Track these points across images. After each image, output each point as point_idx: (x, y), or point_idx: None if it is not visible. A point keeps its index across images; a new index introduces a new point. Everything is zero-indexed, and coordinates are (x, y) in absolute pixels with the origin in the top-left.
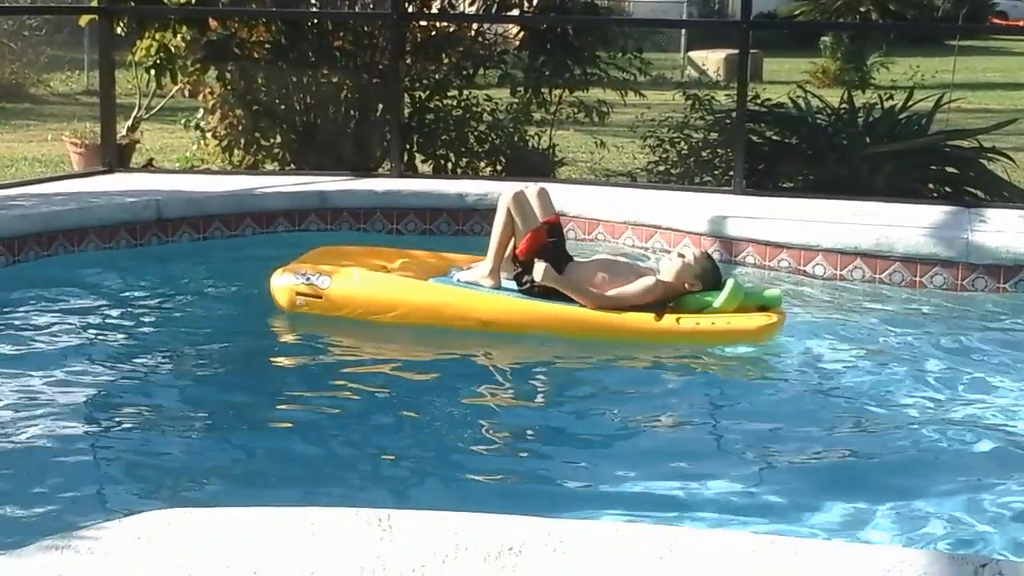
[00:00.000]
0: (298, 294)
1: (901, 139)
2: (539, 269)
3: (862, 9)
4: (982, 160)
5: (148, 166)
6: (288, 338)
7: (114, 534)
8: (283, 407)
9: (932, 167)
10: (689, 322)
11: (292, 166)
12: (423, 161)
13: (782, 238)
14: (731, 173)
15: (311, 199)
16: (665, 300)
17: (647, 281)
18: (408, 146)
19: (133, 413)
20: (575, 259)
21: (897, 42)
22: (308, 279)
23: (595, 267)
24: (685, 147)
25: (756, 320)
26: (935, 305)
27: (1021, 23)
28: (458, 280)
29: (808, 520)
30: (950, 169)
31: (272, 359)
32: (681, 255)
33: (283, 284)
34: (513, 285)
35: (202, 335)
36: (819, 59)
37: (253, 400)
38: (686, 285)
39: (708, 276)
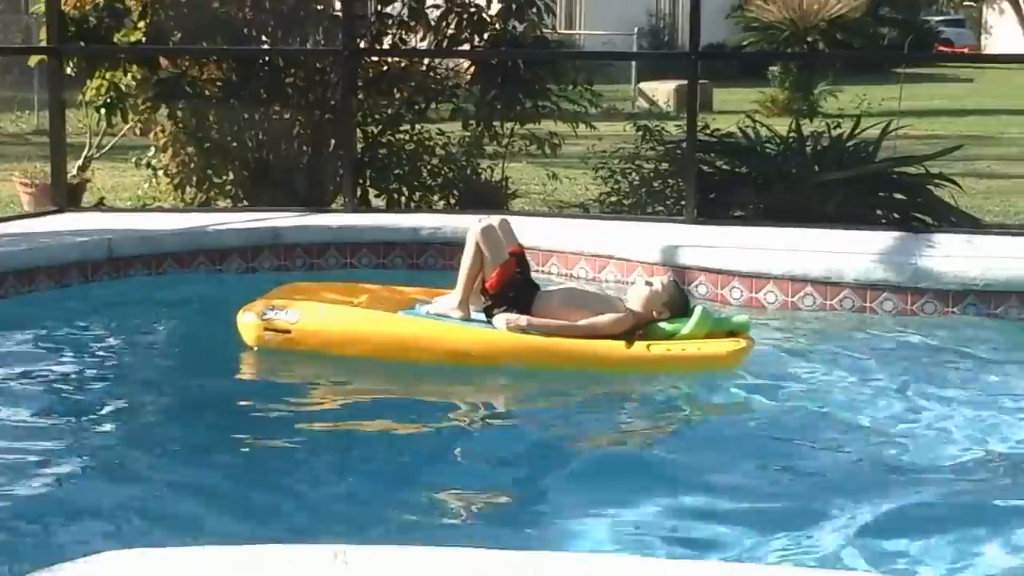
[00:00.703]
0: (266, 329)
1: (849, 167)
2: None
3: (809, 39)
4: (929, 187)
5: (99, 205)
6: (246, 374)
7: (68, 574)
8: (241, 445)
9: (880, 194)
10: (660, 349)
11: (245, 203)
12: (376, 195)
13: (733, 266)
14: (683, 203)
15: (264, 235)
16: (635, 328)
17: (618, 311)
18: (361, 181)
19: (87, 453)
20: (542, 288)
21: (844, 71)
22: (276, 314)
23: (563, 297)
24: (636, 178)
25: (726, 346)
26: (887, 330)
27: (966, 50)
28: (426, 312)
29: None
30: (898, 196)
31: (229, 395)
32: (649, 283)
33: (250, 320)
34: (482, 316)
35: (157, 373)
36: (768, 89)
37: (211, 438)
38: (655, 313)
39: (676, 303)
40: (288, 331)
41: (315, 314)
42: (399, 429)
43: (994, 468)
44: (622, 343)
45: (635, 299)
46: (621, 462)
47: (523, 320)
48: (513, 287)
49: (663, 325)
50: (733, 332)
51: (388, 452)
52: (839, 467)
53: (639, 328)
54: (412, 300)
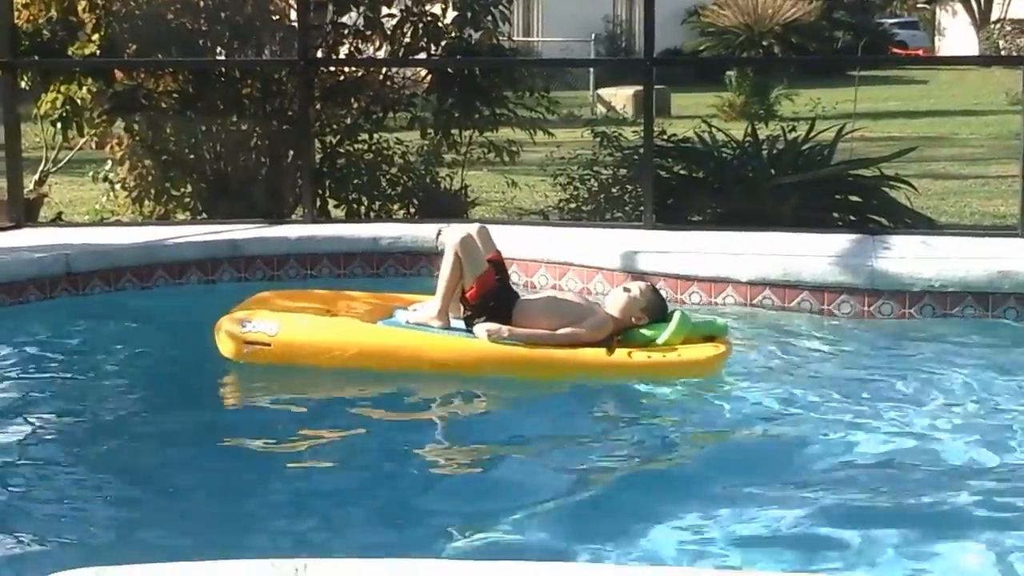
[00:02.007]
0: (246, 343)
1: (805, 170)
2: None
3: (764, 43)
4: (884, 188)
5: (57, 220)
6: (214, 387)
7: None
8: (207, 458)
9: (836, 196)
10: (641, 355)
11: (204, 215)
12: (336, 206)
13: (692, 271)
14: (641, 208)
15: (223, 248)
16: (614, 335)
17: (599, 317)
18: (320, 191)
19: (50, 470)
20: (521, 296)
21: (800, 75)
22: (254, 327)
23: (543, 305)
24: (595, 184)
25: (705, 351)
26: (845, 332)
27: (920, 52)
28: (407, 321)
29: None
30: (854, 198)
31: (194, 411)
32: (627, 289)
33: (229, 333)
34: (462, 325)
35: (120, 390)
36: (725, 93)
37: (175, 453)
38: (633, 319)
39: (654, 309)
40: (268, 343)
41: (295, 326)
42: (370, 441)
43: (952, 470)
44: (603, 350)
45: (614, 305)
46: (593, 474)
47: (504, 330)
48: (493, 296)
49: (642, 331)
50: (711, 336)
51: (355, 465)
52: (817, 472)
53: (618, 334)
54: (391, 308)
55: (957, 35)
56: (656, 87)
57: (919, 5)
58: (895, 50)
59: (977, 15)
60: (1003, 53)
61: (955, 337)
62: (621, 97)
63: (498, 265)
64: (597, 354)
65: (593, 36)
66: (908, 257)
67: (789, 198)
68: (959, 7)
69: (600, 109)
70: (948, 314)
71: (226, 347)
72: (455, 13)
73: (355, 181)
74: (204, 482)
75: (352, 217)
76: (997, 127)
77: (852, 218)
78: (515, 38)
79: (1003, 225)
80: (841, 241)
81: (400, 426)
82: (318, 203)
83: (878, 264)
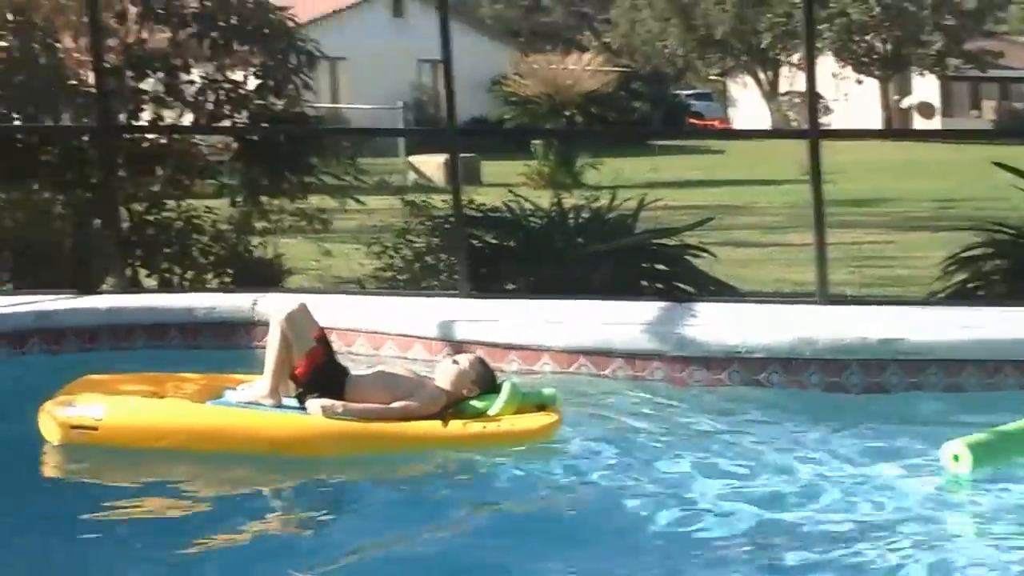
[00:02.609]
0: (72, 427)
1: (611, 239)
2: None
3: (567, 113)
4: (687, 256)
5: None
6: (40, 470)
7: None
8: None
9: (643, 265)
10: (476, 426)
11: (10, 286)
12: (148, 275)
13: (510, 339)
14: (456, 277)
15: (30, 319)
16: (447, 407)
17: (431, 390)
18: (131, 260)
19: None
20: (352, 373)
21: (603, 144)
22: (79, 411)
23: (375, 380)
24: (410, 253)
25: (538, 420)
26: (660, 398)
27: (716, 122)
28: (236, 401)
29: None
30: (660, 266)
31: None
32: (456, 362)
33: (54, 417)
34: (294, 402)
35: None
36: (533, 162)
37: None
38: (464, 391)
39: (484, 380)
40: (95, 427)
41: (121, 408)
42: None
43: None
44: (438, 423)
45: (443, 378)
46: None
47: (339, 405)
48: (324, 372)
49: (473, 402)
50: (543, 405)
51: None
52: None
53: (451, 407)
54: (220, 388)
55: (749, 106)
56: (466, 155)
57: (711, 77)
58: (692, 120)
59: (767, 87)
60: (792, 124)
61: (763, 402)
62: (433, 164)
63: (324, 342)
64: (433, 427)
65: (401, 104)
66: (714, 324)
67: (598, 266)
68: (749, 80)
69: (412, 176)
70: (755, 379)
71: (51, 432)
72: (258, 81)
73: (166, 250)
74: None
75: (165, 287)
76: (793, 196)
77: (659, 286)
78: (320, 105)
79: (803, 292)
80: (651, 309)
81: (230, 505)
82: (130, 272)
83: (686, 331)
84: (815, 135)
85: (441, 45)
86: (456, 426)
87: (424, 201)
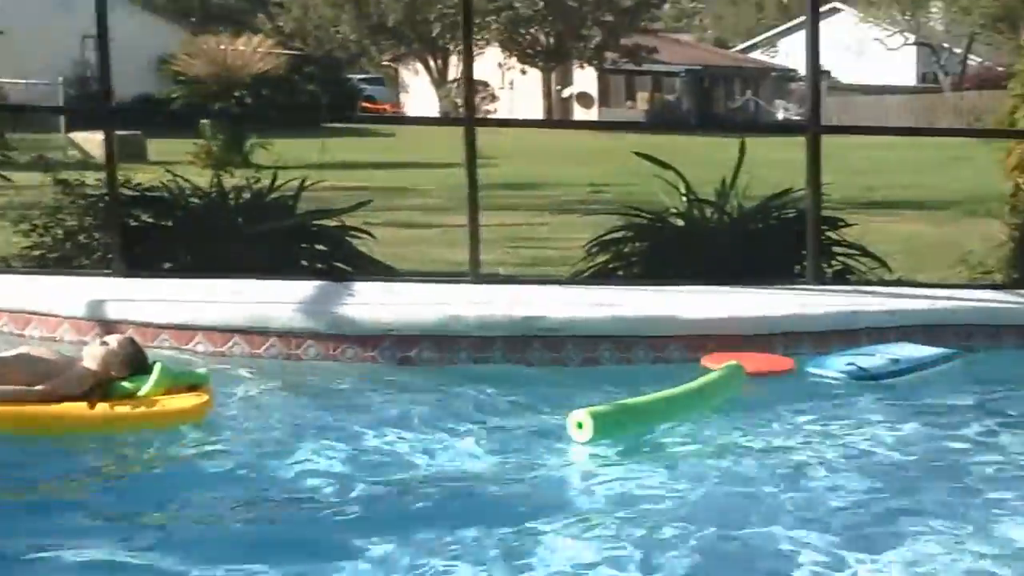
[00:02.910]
0: None
1: (273, 220)
2: None
3: (237, 94)
4: (348, 237)
5: None
6: None
7: None
8: None
9: (303, 245)
10: (124, 407)
11: None
12: None
13: (162, 319)
14: (111, 256)
15: None
16: (96, 388)
17: (77, 371)
18: None
19: None
20: None
21: (273, 126)
22: None
23: (17, 362)
24: (60, 232)
25: (189, 400)
26: (314, 375)
27: (388, 107)
28: None
29: None
30: (320, 247)
31: None
32: (104, 342)
33: None
34: None
35: None
36: (201, 140)
37: None
38: (113, 372)
39: (133, 361)
40: None
41: None
42: None
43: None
44: (84, 404)
45: (91, 359)
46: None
47: None
48: None
49: (124, 384)
50: (194, 386)
51: None
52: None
53: (100, 387)
54: None
55: (420, 91)
56: (131, 132)
57: (384, 63)
58: (365, 105)
59: (436, 74)
60: (460, 110)
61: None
62: (95, 142)
63: None
64: (80, 408)
65: (61, 79)
66: (370, 303)
67: (258, 247)
68: (420, 67)
69: (74, 153)
70: (406, 356)
71: None
72: None
73: None
74: None
75: None
76: (457, 178)
77: (320, 266)
78: None
79: (458, 271)
80: (309, 288)
81: None
82: None
83: (341, 310)
84: (469, 123)
85: (96, 20)
86: (103, 407)
87: (77, 179)
